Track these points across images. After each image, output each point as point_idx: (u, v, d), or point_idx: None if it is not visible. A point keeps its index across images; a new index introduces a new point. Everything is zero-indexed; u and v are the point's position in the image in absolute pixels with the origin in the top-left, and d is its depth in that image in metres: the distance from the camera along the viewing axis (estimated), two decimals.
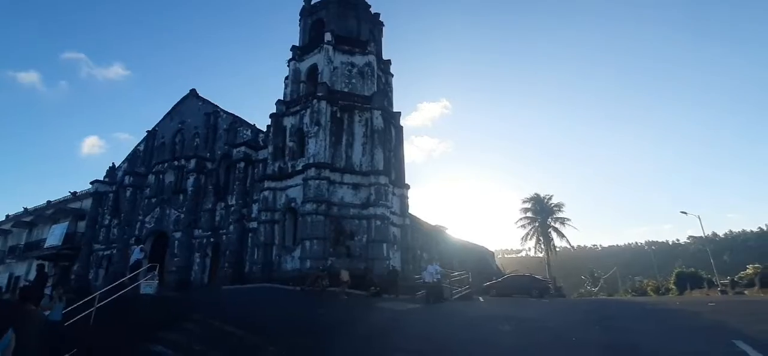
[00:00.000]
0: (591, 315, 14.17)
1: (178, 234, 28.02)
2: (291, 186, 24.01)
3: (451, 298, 20.35)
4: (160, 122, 35.27)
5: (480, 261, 37.50)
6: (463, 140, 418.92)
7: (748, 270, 29.36)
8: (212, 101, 32.61)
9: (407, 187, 27.09)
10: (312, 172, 22.61)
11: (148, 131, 35.42)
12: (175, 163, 30.31)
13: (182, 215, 28.18)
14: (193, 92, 34.04)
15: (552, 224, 45.53)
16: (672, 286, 35.28)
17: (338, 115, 24.82)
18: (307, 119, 24.67)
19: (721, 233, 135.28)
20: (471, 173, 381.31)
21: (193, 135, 31.80)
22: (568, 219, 45.24)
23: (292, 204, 23.51)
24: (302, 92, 26.73)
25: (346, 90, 25.94)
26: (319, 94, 24.30)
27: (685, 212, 36.95)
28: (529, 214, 46.86)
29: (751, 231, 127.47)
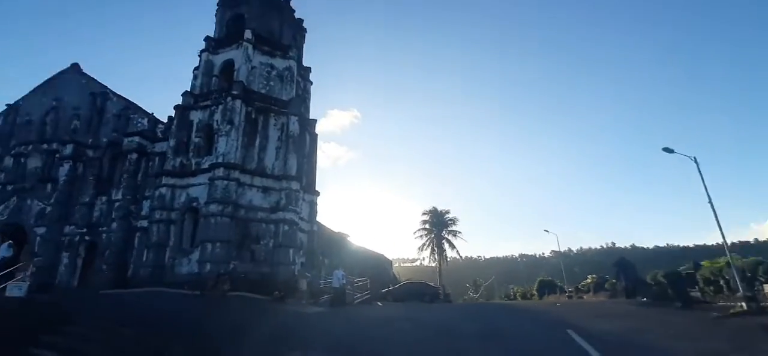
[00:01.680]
0: (470, 314, 16.88)
1: (41, 230, 23.97)
2: (194, 185, 22.64)
3: (353, 303, 21.49)
4: (26, 96, 29.59)
5: (379, 269, 39.62)
6: (370, 151, 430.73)
7: (587, 280, 36.79)
8: (100, 81, 28.74)
9: (317, 194, 27.63)
10: (220, 172, 21.72)
11: (8, 105, 29.41)
12: (44, 146, 25.92)
13: (49, 208, 24.19)
14: (75, 66, 29.51)
15: (446, 236, 50.39)
16: (534, 292, 42.17)
17: (253, 116, 24.28)
18: (218, 116, 23.59)
19: (574, 249, 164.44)
20: (375, 184, 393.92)
21: (71, 117, 27.42)
22: (459, 232, 50.61)
23: (194, 204, 22.18)
24: (214, 87, 25.40)
25: (263, 92, 25.51)
26: (235, 92, 23.50)
27: (547, 231, 44.76)
28: (426, 226, 51.08)
29: (594, 248, 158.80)
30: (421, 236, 50.89)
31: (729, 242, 19.95)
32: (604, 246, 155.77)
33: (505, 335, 11.56)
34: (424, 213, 52.13)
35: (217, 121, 23.58)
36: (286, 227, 22.51)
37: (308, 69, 30.79)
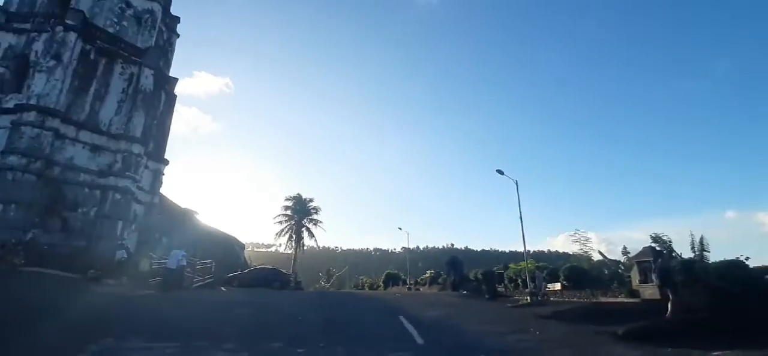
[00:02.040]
0: (317, 301, 17.20)
1: None
2: None
3: (190, 287, 19.43)
4: None
5: (228, 252, 36.93)
6: (237, 125, 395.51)
7: (426, 274, 41.75)
8: None
9: (166, 162, 24.01)
10: (31, 116, 16.81)
11: None
12: None
13: None
14: None
15: (306, 224, 50.15)
16: (381, 284, 45.77)
17: (92, 57, 19.50)
18: (40, 46, 18.20)
19: (421, 246, 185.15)
20: (237, 162, 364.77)
21: None
22: (320, 222, 51.02)
23: None
24: (40, 8, 19.50)
25: (111, 31, 20.72)
26: (70, 21, 18.41)
27: (400, 229, 49.48)
28: (288, 212, 49.89)
29: (437, 247, 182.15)
30: (281, 222, 49.47)
31: (530, 250, 25.48)
32: (445, 246, 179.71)
33: (344, 321, 12.15)
34: (287, 199, 50.84)
35: (37, 52, 18.20)
36: (118, 196, 18.92)
37: (176, 19, 26.42)
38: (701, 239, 17.19)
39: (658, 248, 17.45)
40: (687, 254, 16.72)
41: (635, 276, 17.33)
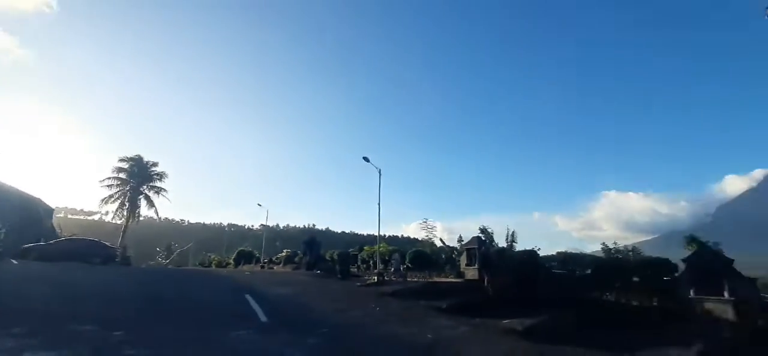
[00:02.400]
0: (143, 278, 15.10)
1: None
2: None
3: None
4: None
5: (28, 217, 28.92)
6: (57, 58, 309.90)
7: (282, 253, 40.71)
8: None
9: None
10: None
11: None
12: None
13: None
14: None
15: (146, 191, 42.86)
16: (231, 261, 42.66)
17: None
18: None
19: (282, 225, 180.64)
20: (52, 107, 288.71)
21: None
22: (164, 190, 44.27)
23: None
24: None
25: None
26: None
27: (260, 205, 46.51)
28: (122, 175, 41.65)
29: (298, 226, 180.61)
30: (111, 185, 40.91)
31: (384, 235, 27.24)
32: (306, 226, 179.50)
33: (177, 299, 10.87)
34: (121, 160, 42.31)
35: None
36: None
37: None
38: (513, 232, 21.24)
39: (482, 238, 20.86)
40: (502, 244, 20.46)
41: (463, 260, 20.31)
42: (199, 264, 50.65)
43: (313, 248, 29.24)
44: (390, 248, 29.11)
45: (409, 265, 24.08)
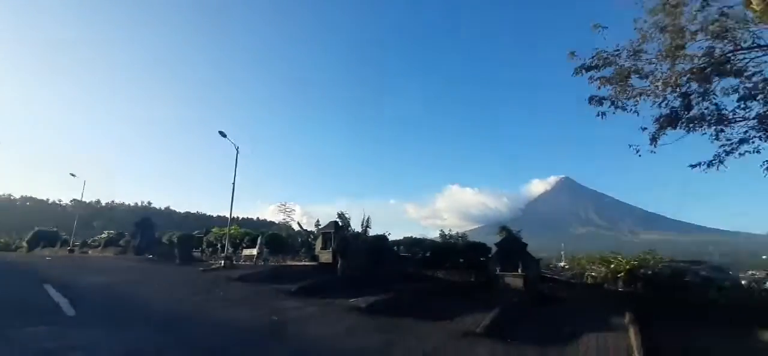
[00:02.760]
0: None
1: None
2: None
3: None
4: None
5: None
6: None
7: (102, 235, 33.73)
8: None
9: None
10: None
11: None
12: None
13: None
14: None
15: None
16: (24, 244, 33.18)
17: None
18: None
19: (104, 201, 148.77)
20: None
21: None
22: None
23: None
24: None
25: None
26: None
27: (74, 175, 36.95)
28: None
29: (128, 204, 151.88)
30: None
31: (239, 217, 25.24)
32: (138, 205, 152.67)
33: None
34: None
35: None
36: None
37: None
38: (368, 218, 22.45)
39: (339, 223, 21.47)
40: (358, 228, 21.46)
41: (319, 244, 20.55)
42: None
43: (146, 231, 25.17)
44: (242, 230, 27.26)
45: (263, 248, 23.09)
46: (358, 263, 16.60)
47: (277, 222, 37.28)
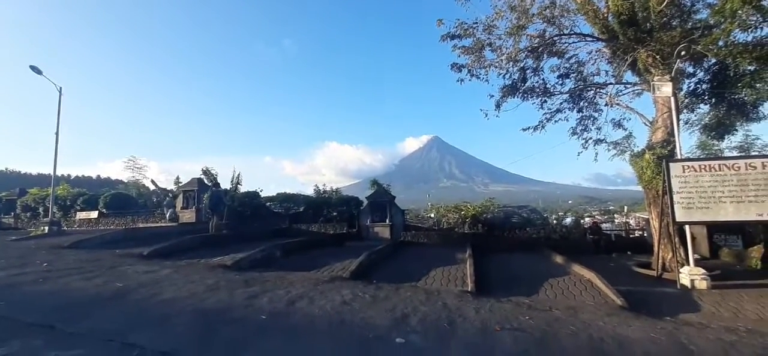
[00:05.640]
0: None
1: None
2: None
3: None
4: None
5: None
6: None
7: None
8: None
9: None
10: None
11: None
12: None
13: None
14: None
15: None
16: None
17: None
18: None
19: None
20: None
21: None
22: None
23: None
24: None
25: None
26: None
27: None
28: None
29: None
30: None
31: (72, 175, 20.51)
32: None
33: None
34: None
35: None
36: None
37: None
38: (239, 174, 21.09)
39: (204, 180, 19.61)
40: (227, 186, 19.97)
41: (179, 203, 18.51)
42: None
43: None
44: (75, 190, 22.58)
45: (104, 210, 19.67)
46: (227, 220, 15.66)
47: (124, 181, 32.02)
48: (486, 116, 13.23)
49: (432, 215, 18.06)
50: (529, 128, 13.61)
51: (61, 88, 18.24)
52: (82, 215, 19.23)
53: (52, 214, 16.35)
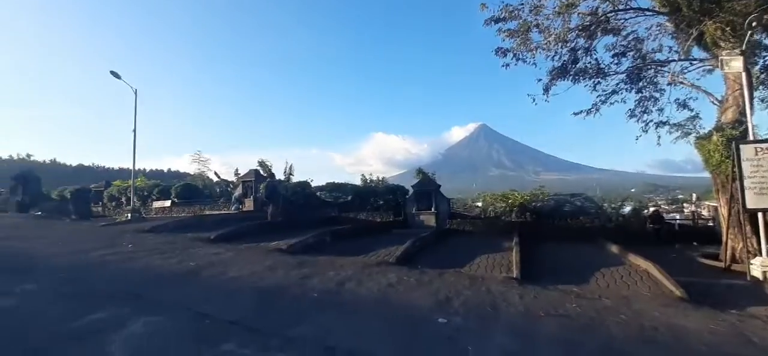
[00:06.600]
0: None
1: None
2: None
3: None
4: None
5: None
6: None
7: None
8: None
9: None
10: None
11: None
12: None
13: None
14: None
15: None
16: None
17: None
18: None
19: None
20: None
21: None
22: None
23: None
24: None
25: None
26: None
27: None
28: None
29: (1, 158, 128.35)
30: None
31: (147, 169, 22.93)
32: (15, 157, 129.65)
33: None
34: None
35: None
36: None
37: None
38: (291, 165, 22.23)
39: (261, 171, 20.93)
40: (280, 176, 21.15)
41: (239, 192, 19.94)
42: None
43: (29, 185, 21.90)
44: (151, 182, 25.10)
45: (176, 200, 21.69)
46: (282, 208, 16.66)
47: (191, 173, 34.93)
48: (534, 101, 12.78)
49: (478, 205, 17.85)
50: (581, 112, 12.95)
51: (136, 89, 20.33)
52: (157, 204, 21.45)
53: (133, 203, 18.45)
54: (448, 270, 7.26)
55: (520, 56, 12.24)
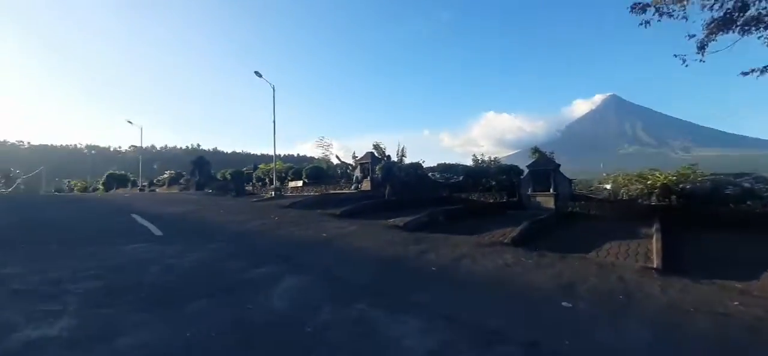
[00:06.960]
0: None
1: None
2: None
3: None
4: None
5: None
6: None
7: (165, 175, 37.15)
8: None
9: None
10: None
11: None
12: None
13: None
14: None
15: None
16: (100, 186, 37.40)
17: None
18: None
19: (158, 146, 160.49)
20: None
21: None
22: None
23: None
24: None
25: None
26: None
27: (130, 122, 40.02)
28: None
29: (180, 147, 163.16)
30: None
31: (280, 154, 26.80)
32: (189, 147, 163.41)
33: (48, 223, 9.65)
34: None
35: None
36: None
37: None
38: (403, 147, 23.17)
39: (375, 154, 22.36)
40: (394, 158, 22.26)
41: (357, 173, 21.67)
42: (56, 191, 43.06)
43: (202, 169, 27.53)
44: (286, 165, 29.03)
45: (306, 180, 24.67)
46: (395, 188, 17.61)
47: (316, 157, 39.10)
48: (684, 62, 10.68)
49: (607, 187, 15.87)
50: (753, 71, 10.37)
51: (273, 86, 23.58)
52: (292, 184, 24.85)
53: (275, 183, 21.80)
54: (570, 254, 6.85)
55: (666, 9, 10.36)
